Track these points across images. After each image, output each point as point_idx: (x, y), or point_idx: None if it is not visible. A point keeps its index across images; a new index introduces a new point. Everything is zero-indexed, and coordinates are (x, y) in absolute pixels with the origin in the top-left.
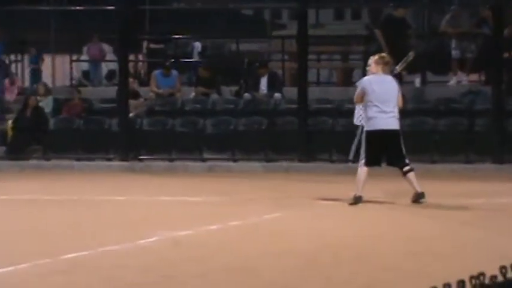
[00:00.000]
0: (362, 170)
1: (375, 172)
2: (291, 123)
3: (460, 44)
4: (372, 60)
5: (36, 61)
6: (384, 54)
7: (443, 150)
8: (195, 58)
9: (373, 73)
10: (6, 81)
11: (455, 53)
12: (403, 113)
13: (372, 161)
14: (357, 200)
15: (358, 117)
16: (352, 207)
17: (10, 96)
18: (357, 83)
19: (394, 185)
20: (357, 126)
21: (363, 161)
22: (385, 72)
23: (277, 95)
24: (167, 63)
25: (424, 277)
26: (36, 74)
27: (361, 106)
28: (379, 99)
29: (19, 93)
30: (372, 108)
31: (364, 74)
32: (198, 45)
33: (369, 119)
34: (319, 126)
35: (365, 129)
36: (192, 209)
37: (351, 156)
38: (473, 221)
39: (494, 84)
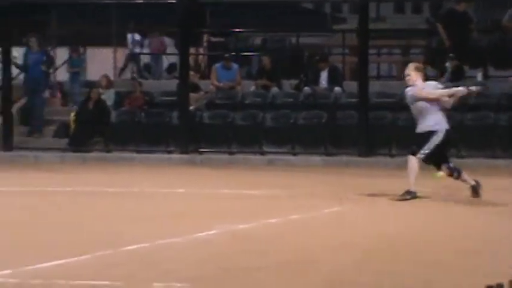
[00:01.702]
0: (415, 163)
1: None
2: (351, 117)
3: None
4: (411, 68)
5: (79, 64)
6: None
7: (505, 145)
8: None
9: (414, 81)
10: (48, 93)
11: None
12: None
13: (429, 158)
14: (409, 195)
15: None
16: (410, 202)
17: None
18: (436, 88)
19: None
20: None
21: (423, 156)
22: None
23: (337, 89)
24: (226, 55)
25: (479, 276)
26: (75, 79)
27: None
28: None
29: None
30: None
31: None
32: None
33: (444, 120)
34: (379, 121)
35: (444, 128)
36: (251, 202)
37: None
38: None
39: None
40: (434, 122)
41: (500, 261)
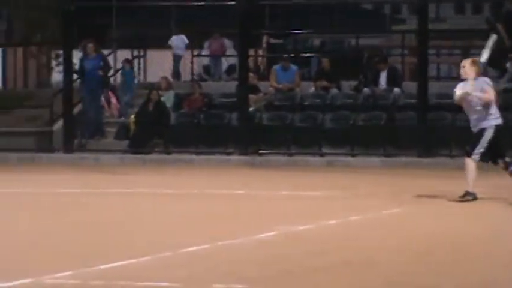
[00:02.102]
0: (471, 164)
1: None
2: (411, 118)
3: None
4: (468, 61)
5: (130, 74)
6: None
7: None
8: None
9: (468, 75)
10: (102, 98)
11: None
12: None
13: (485, 156)
14: (470, 196)
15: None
16: (470, 203)
17: (110, 112)
18: (485, 84)
19: None
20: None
21: (477, 156)
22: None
23: (396, 89)
24: (285, 56)
25: None
26: (126, 89)
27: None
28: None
29: (119, 111)
30: (495, 105)
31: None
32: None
33: (498, 115)
34: (439, 122)
35: (494, 123)
36: (310, 203)
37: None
38: None
39: None
40: (483, 119)
41: None
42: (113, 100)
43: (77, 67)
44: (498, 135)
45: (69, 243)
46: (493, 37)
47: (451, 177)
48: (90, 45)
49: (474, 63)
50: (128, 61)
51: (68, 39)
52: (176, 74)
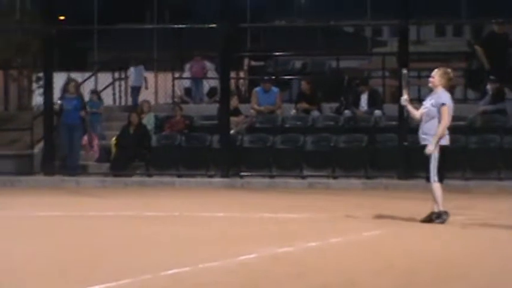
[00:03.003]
0: (437, 185)
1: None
2: (391, 140)
3: None
4: (438, 73)
5: (98, 106)
6: (449, 69)
7: None
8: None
9: (436, 86)
10: (85, 138)
11: None
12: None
13: (442, 176)
14: (446, 215)
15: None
16: (449, 225)
17: (91, 154)
18: (437, 102)
19: (495, 204)
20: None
21: (436, 177)
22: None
23: (377, 112)
24: (266, 78)
25: None
26: (95, 120)
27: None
28: (451, 115)
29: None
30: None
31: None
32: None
33: (445, 134)
34: (419, 144)
35: (442, 144)
36: (292, 225)
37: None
38: None
39: None
40: (431, 135)
41: None
42: (95, 142)
43: (57, 106)
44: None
45: (48, 267)
46: (404, 73)
47: (430, 198)
48: (73, 84)
49: (444, 74)
50: (94, 92)
51: (49, 62)
52: (134, 107)
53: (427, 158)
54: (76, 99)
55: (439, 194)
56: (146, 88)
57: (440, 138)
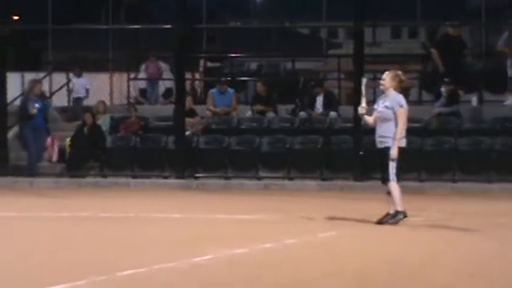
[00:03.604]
0: (396, 186)
1: (435, 192)
2: (347, 142)
3: None
4: (389, 75)
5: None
6: (399, 71)
7: (500, 169)
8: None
9: (387, 88)
10: (49, 140)
11: (511, 72)
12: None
13: (399, 178)
14: (401, 215)
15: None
16: (405, 226)
17: (52, 155)
18: (393, 104)
19: (449, 205)
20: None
21: (395, 178)
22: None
23: (332, 113)
24: (222, 79)
25: None
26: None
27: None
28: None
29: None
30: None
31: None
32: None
33: (402, 137)
34: (375, 145)
35: (399, 145)
36: (247, 227)
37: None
38: None
39: None
40: (389, 137)
41: (497, 283)
42: (56, 143)
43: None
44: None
45: (1, 268)
46: (363, 81)
47: (386, 200)
48: (40, 85)
49: (396, 76)
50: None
51: (3, 62)
52: (75, 117)
53: (384, 160)
54: (41, 101)
55: (397, 193)
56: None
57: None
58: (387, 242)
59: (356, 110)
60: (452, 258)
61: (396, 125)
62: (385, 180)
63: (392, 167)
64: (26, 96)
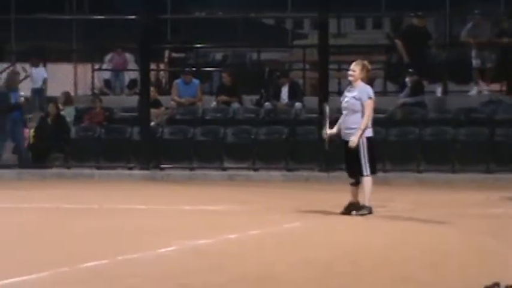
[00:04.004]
0: (369, 179)
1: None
2: (312, 132)
3: (480, 53)
4: (358, 66)
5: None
6: (366, 62)
7: (464, 160)
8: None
9: (357, 80)
10: (26, 130)
11: (476, 62)
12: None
13: (375, 169)
14: (367, 211)
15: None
16: (369, 217)
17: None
18: (362, 95)
19: (414, 195)
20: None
21: (368, 171)
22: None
23: (298, 104)
24: (186, 70)
25: (440, 287)
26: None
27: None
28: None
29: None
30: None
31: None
32: None
33: (369, 127)
34: (340, 136)
35: (367, 136)
36: (212, 217)
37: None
38: (492, 230)
39: None
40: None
41: (460, 273)
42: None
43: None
44: (373, 145)
45: None
46: (327, 108)
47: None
48: (18, 76)
49: (364, 67)
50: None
51: None
52: (41, 108)
53: (352, 152)
54: (18, 92)
55: (369, 188)
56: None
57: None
58: (352, 233)
59: (321, 100)
60: (415, 248)
61: (363, 116)
62: (354, 172)
63: (365, 161)
64: (8, 87)
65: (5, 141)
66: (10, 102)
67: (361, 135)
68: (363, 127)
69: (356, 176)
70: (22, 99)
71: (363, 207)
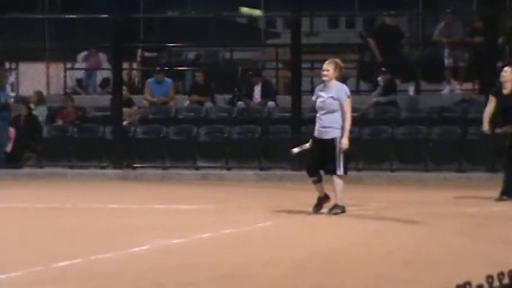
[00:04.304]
0: (342, 179)
1: (372, 181)
2: (285, 131)
3: (453, 52)
4: (331, 65)
5: None
6: (337, 60)
7: (437, 159)
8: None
9: (330, 78)
10: (12, 130)
11: (448, 61)
12: (398, 121)
13: (346, 169)
14: (340, 210)
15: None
16: (342, 216)
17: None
18: (341, 96)
19: (387, 194)
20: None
21: (342, 170)
22: (339, 79)
23: (270, 103)
24: (159, 69)
25: (414, 285)
26: None
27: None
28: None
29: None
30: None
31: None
32: None
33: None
34: (313, 135)
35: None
36: (185, 217)
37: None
38: (465, 229)
39: (487, 93)
40: (334, 128)
41: (434, 271)
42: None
43: None
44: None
45: None
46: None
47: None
48: (6, 74)
49: (337, 65)
50: None
51: None
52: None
53: (329, 151)
54: (6, 91)
55: (341, 187)
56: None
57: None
58: (325, 232)
59: (294, 99)
60: (388, 247)
61: (342, 115)
62: (316, 170)
63: (340, 160)
64: None
65: None
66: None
67: (348, 136)
68: (348, 127)
69: (317, 174)
70: (12, 99)
71: (335, 206)
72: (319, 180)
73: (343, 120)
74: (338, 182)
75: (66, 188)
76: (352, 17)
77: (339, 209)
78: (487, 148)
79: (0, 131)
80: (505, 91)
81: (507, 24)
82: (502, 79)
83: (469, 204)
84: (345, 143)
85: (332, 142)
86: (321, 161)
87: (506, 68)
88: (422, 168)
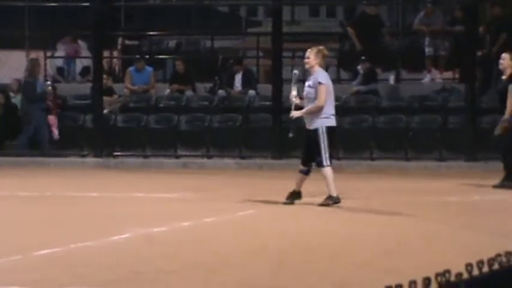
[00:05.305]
0: (329, 168)
1: (353, 170)
2: (265, 120)
3: (433, 41)
4: (312, 52)
5: None
6: (321, 47)
7: (417, 148)
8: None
9: (312, 66)
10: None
11: (428, 50)
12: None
13: (330, 158)
14: (331, 201)
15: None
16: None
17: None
18: (315, 82)
19: (367, 183)
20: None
21: (327, 160)
22: (322, 66)
23: (251, 92)
24: (139, 57)
25: (394, 274)
26: None
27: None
28: (332, 95)
29: None
30: (331, 105)
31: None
32: None
33: (330, 115)
34: (294, 123)
35: (326, 125)
36: (165, 205)
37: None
38: (445, 218)
39: (468, 82)
40: (316, 118)
41: (414, 260)
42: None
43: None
44: (332, 136)
45: None
46: (294, 73)
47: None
48: (39, 63)
49: (319, 52)
50: None
51: None
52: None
53: (311, 142)
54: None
55: (331, 177)
56: None
57: (312, 114)
58: (306, 221)
59: (275, 87)
60: (370, 235)
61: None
62: (309, 161)
63: (324, 151)
64: (32, 76)
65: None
66: (35, 91)
67: (305, 114)
68: (312, 110)
69: (309, 165)
70: (49, 88)
71: (328, 197)
72: (304, 173)
73: (326, 108)
74: (327, 174)
75: (46, 177)
76: (332, 6)
77: (331, 200)
78: (467, 137)
79: (39, 120)
80: (504, 77)
81: (487, 13)
82: (500, 66)
83: (449, 193)
84: (293, 114)
85: (314, 132)
86: (310, 152)
87: (503, 55)
88: (402, 157)
